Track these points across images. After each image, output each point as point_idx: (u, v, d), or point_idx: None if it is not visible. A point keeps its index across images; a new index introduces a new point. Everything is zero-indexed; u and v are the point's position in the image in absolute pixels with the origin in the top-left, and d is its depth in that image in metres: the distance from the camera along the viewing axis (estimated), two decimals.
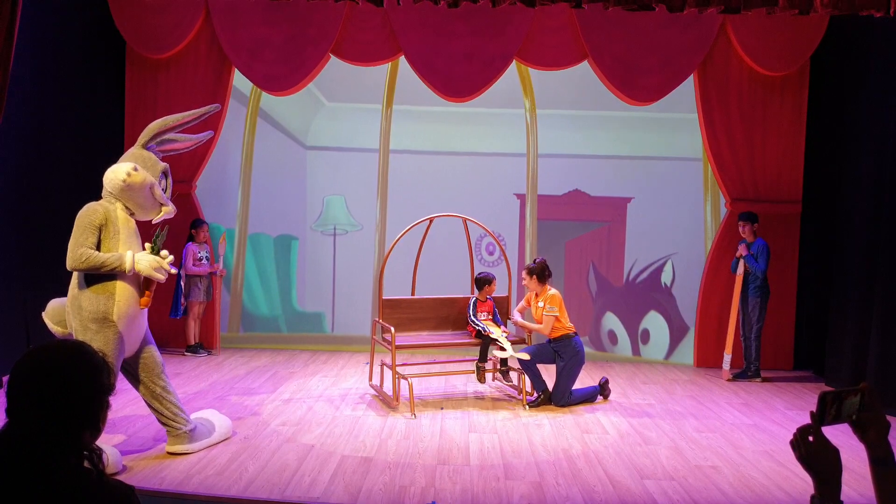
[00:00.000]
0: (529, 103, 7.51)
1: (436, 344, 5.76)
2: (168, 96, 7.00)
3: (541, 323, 5.41)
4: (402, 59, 7.04)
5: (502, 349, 5.33)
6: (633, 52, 6.78)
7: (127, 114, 7.03)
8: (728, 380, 6.55)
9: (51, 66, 6.10)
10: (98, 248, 3.80)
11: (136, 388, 4.11)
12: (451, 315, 5.87)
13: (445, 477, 3.94)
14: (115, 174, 3.88)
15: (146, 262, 3.84)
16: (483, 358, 5.57)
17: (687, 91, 7.01)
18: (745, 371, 6.58)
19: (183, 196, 7.10)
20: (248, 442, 4.41)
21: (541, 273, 5.46)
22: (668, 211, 7.41)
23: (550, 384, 5.48)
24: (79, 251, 3.71)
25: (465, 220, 6.01)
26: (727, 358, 6.61)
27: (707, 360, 7.10)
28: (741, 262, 6.51)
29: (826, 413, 1.46)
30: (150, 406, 4.11)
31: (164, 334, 7.08)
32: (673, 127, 7.40)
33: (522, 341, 5.60)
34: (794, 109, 6.95)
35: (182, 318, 6.87)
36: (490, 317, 5.70)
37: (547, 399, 5.44)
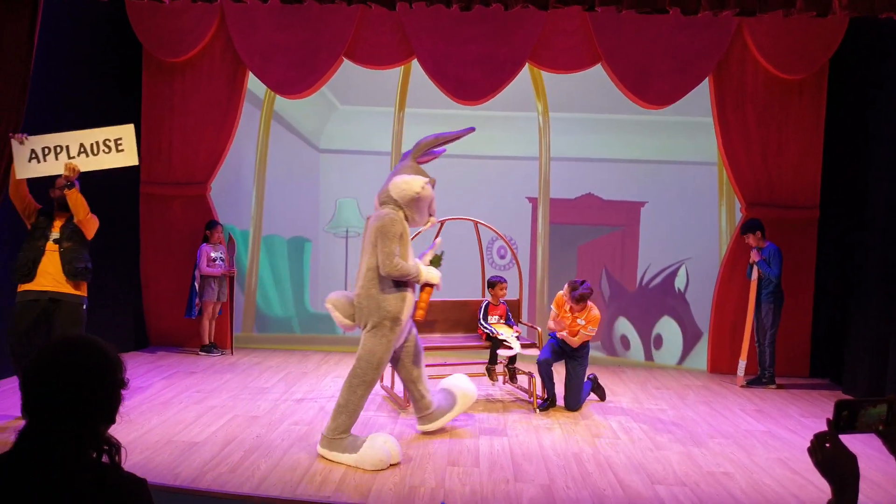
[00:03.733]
0: (542, 107, 7.50)
1: (447, 346, 5.76)
2: (184, 99, 7.09)
3: (574, 336, 5.34)
4: (415, 63, 7.06)
5: (509, 347, 5.32)
6: (647, 55, 6.74)
7: (143, 117, 7.10)
8: (742, 386, 6.48)
9: (68, 70, 6.18)
10: None
11: (395, 368, 4.66)
12: (462, 318, 5.87)
13: (455, 478, 3.93)
14: (410, 186, 4.28)
15: (432, 273, 4.37)
16: (493, 360, 5.57)
17: (702, 94, 6.95)
18: (760, 377, 6.51)
19: (198, 198, 7.18)
20: (260, 440, 4.44)
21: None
22: (683, 215, 7.35)
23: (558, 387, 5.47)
24: (394, 260, 4.16)
25: (476, 224, 6.01)
26: (742, 364, 6.54)
27: (721, 366, 7.03)
28: (755, 268, 6.46)
29: (841, 420, 1.44)
30: (404, 385, 4.73)
31: (178, 334, 7.15)
32: (688, 130, 7.34)
33: (533, 345, 5.58)
34: (812, 113, 6.84)
35: (196, 318, 6.93)
36: (503, 320, 5.69)
37: (552, 402, 5.42)
